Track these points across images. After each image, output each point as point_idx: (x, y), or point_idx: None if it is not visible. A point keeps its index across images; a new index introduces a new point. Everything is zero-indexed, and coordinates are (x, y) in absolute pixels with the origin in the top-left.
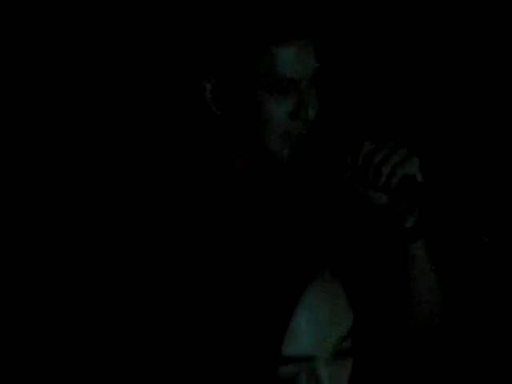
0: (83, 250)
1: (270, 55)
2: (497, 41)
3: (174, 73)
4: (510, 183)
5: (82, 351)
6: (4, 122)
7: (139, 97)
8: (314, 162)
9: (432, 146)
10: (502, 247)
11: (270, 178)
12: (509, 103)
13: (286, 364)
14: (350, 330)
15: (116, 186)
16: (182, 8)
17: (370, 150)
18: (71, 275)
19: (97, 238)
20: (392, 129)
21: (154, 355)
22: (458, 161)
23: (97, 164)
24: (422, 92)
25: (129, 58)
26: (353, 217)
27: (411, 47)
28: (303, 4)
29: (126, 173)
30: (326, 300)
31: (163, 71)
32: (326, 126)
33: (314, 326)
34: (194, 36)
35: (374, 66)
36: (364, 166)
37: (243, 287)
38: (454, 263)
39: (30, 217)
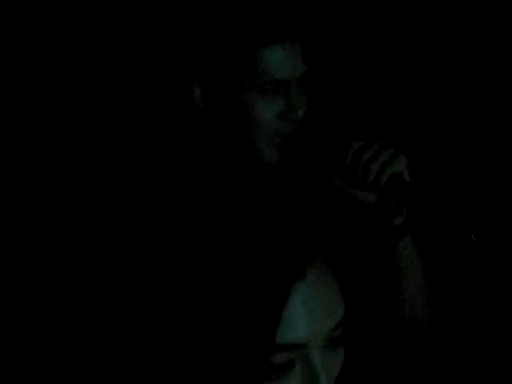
0: (82, 249)
1: (257, 57)
2: (496, 41)
3: (163, 76)
4: (499, 181)
5: (81, 351)
6: (4, 122)
7: (130, 99)
8: (302, 161)
9: (419, 144)
10: (489, 245)
11: (260, 178)
12: (500, 99)
13: (280, 351)
14: (342, 319)
15: (108, 187)
16: (170, 12)
17: (358, 148)
18: (70, 274)
19: (92, 240)
20: (380, 128)
21: (147, 345)
22: (445, 158)
23: (91, 164)
24: (408, 91)
25: (119, 63)
26: (342, 214)
27: (400, 46)
28: (289, 6)
29: (115, 175)
30: (318, 289)
31: (153, 75)
32: (315, 125)
33: (308, 315)
34: (182, 39)
35: (363, 66)
36: (353, 165)
37: (237, 279)
38: (442, 260)
39: (30, 217)
